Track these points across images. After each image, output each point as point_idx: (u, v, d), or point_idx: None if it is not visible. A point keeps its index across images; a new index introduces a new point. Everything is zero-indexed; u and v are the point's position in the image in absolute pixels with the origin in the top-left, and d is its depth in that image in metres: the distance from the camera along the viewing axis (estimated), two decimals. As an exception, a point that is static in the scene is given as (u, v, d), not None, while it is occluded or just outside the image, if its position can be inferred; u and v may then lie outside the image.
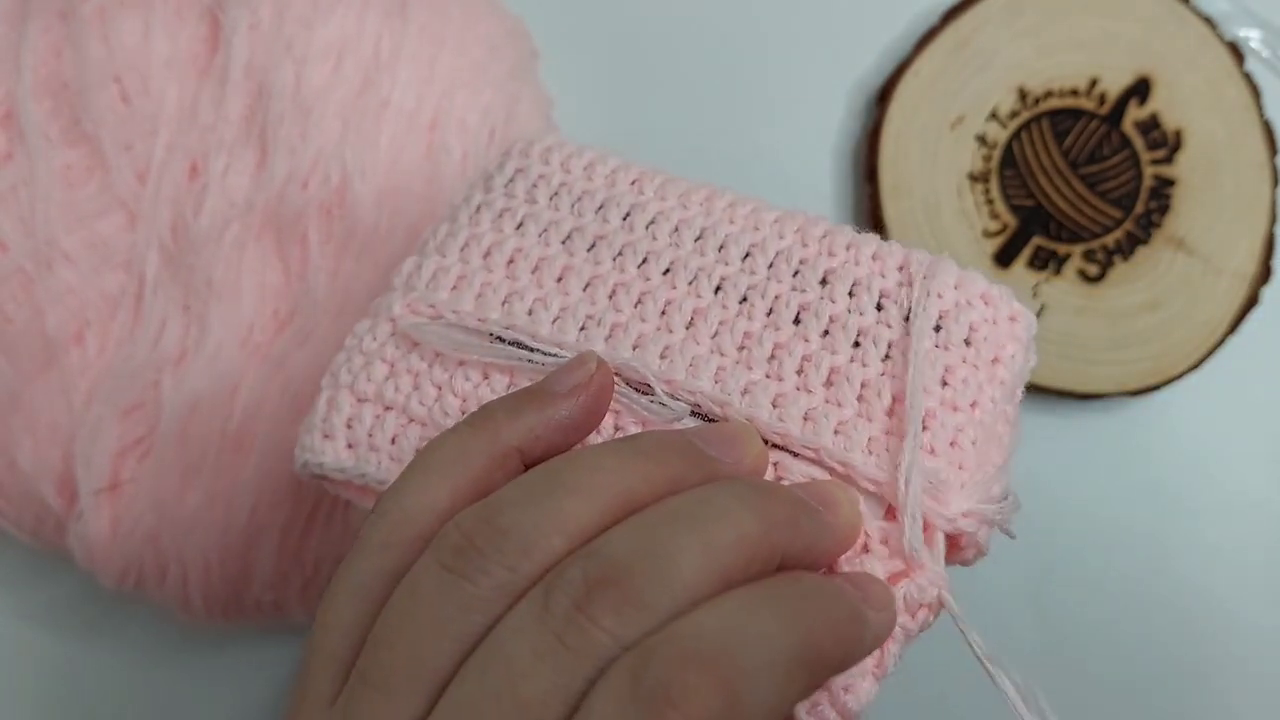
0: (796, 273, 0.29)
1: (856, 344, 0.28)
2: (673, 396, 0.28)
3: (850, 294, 0.28)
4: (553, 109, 0.45)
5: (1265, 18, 0.49)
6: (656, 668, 0.21)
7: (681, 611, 0.22)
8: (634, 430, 0.28)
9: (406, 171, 0.38)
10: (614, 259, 0.30)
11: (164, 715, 0.45)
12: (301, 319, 0.38)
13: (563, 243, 0.31)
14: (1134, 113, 0.46)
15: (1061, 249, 0.45)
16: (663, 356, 0.29)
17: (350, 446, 0.30)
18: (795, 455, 0.28)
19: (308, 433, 0.31)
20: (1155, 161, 0.46)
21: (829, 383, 0.28)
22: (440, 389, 0.30)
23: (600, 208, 0.31)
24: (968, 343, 0.27)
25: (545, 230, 0.31)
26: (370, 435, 0.30)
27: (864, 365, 0.28)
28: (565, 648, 0.22)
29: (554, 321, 0.30)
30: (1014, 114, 0.46)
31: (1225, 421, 0.48)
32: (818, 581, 0.24)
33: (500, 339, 0.30)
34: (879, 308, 0.28)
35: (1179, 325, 0.45)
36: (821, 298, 0.28)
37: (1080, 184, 0.46)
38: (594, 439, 0.28)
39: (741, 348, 0.28)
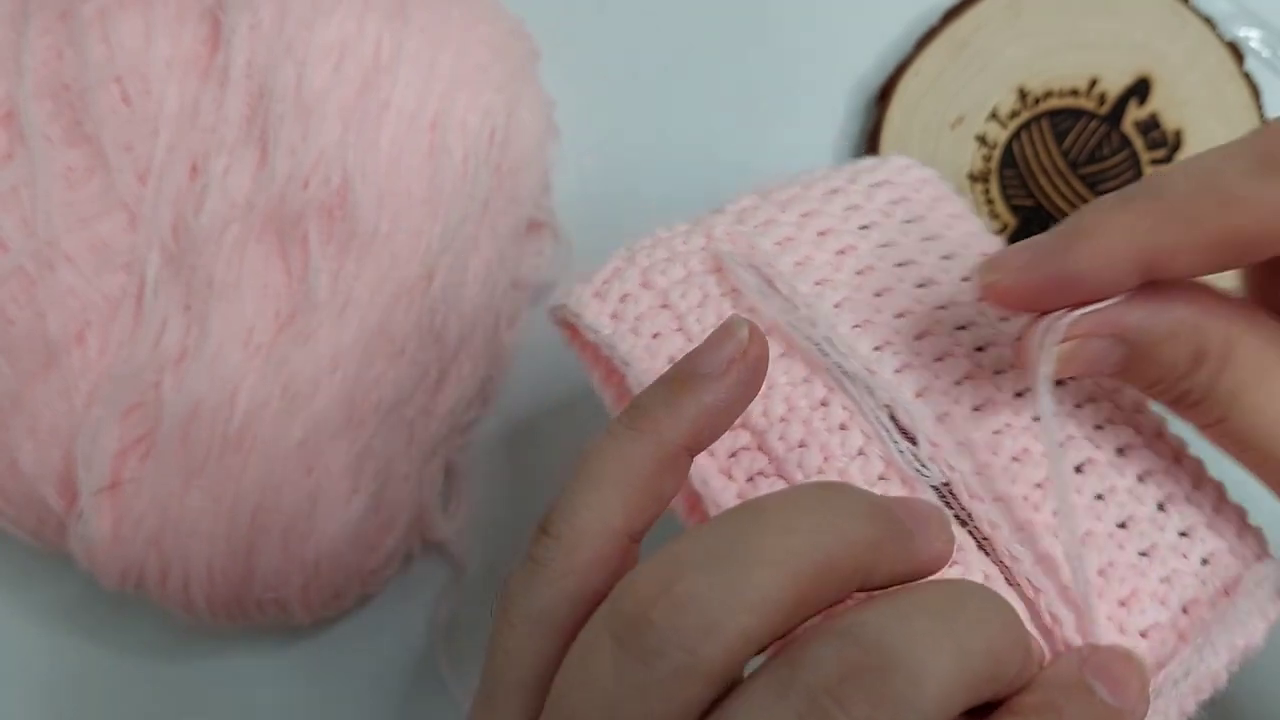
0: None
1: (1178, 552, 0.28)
2: (931, 460, 0.27)
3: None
4: (554, 110, 0.45)
5: (1265, 18, 0.49)
6: None
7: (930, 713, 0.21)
8: (858, 440, 0.27)
9: (407, 172, 0.38)
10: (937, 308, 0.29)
11: (166, 715, 0.45)
12: (303, 319, 0.38)
13: (896, 265, 0.30)
14: (1134, 113, 0.46)
15: (1061, 249, 0.46)
16: (939, 420, 0.28)
17: (614, 317, 0.30)
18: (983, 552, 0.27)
19: (582, 283, 0.31)
20: (1155, 161, 0.46)
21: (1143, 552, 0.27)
22: (720, 319, 0.28)
23: (946, 257, 0.31)
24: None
25: (886, 245, 0.30)
26: (638, 319, 0.30)
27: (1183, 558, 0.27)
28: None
29: (854, 327, 0.29)
30: (1014, 114, 0.46)
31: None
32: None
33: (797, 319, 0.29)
34: (1204, 562, 0.28)
35: (1179, 325, 0.45)
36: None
37: (1080, 184, 0.46)
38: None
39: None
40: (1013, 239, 0.45)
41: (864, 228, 0.31)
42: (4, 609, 0.45)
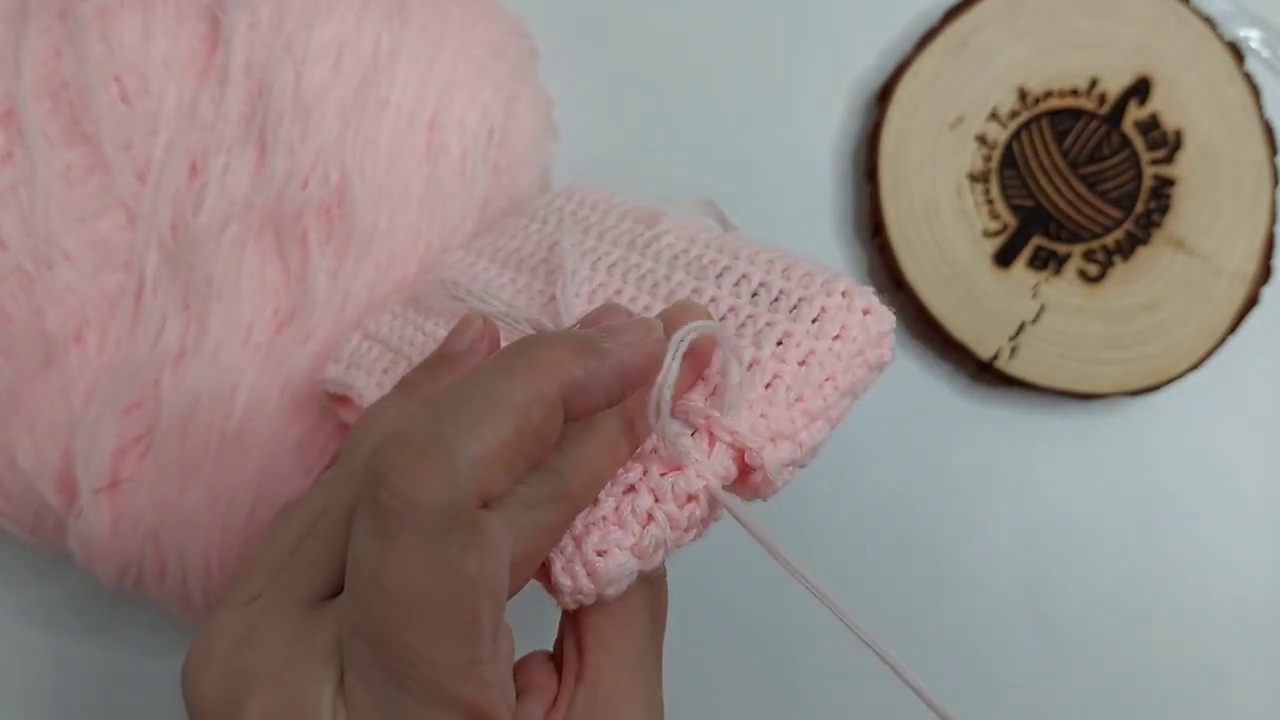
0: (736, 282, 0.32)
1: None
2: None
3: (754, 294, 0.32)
4: (552, 109, 0.45)
5: (1265, 18, 0.49)
6: (372, 459, 0.24)
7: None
8: None
9: (405, 171, 0.38)
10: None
11: (163, 713, 0.45)
12: (301, 318, 0.38)
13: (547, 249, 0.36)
14: (1134, 113, 0.46)
15: (1061, 249, 0.45)
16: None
17: (349, 368, 0.36)
18: None
19: (330, 363, 0.37)
20: (1155, 161, 0.46)
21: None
22: (428, 337, 0.35)
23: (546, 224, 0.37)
24: (814, 320, 0.30)
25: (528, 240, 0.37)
26: (367, 362, 0.36)
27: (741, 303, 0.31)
28: (346, 474, 0.27)
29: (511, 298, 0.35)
30: (1014, 114, 0.46)
31: (1225, 421, 0.48)
32: (543, 335, 0.27)
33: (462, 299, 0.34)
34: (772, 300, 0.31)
35: (1179, 325, 0.45)
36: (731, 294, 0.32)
37: (1080, 184, 0.46)
38: None
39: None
40: (1013, 238, 0.45)
41: (526, 231, 0.37)
42: (4, 608, 0.45)
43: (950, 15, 0.47)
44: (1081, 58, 0.46)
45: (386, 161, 0.38)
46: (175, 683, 0.45)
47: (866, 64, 0.49)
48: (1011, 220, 0.46)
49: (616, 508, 0.28)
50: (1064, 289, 0.45)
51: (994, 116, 0.46)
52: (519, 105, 0.41)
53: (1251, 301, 0.45)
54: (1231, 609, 0.47)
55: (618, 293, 0.33)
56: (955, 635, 0.47)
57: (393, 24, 0.39)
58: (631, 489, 0.28)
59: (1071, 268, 0.45)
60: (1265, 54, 0.49)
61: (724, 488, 0.28)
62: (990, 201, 0.46)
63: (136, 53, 0.38)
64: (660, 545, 0.28)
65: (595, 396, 0.26)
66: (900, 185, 0.46)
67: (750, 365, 0.29)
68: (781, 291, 0.31)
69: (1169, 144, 0.46)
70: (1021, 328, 0.45)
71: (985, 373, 0.46)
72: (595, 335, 0.27)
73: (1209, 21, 0.46)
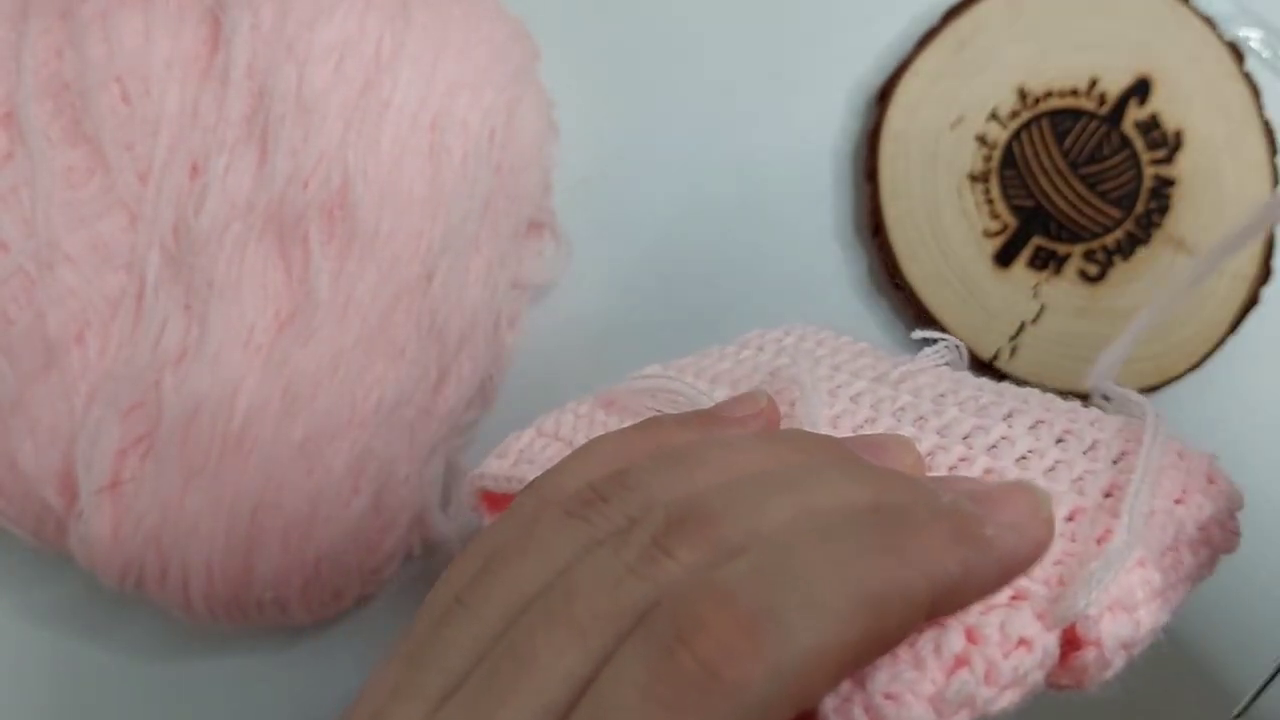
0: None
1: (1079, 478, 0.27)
2: None
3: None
4: (554, 110, 0.45)
5: (1265, 18, 0.49)
6: (676, 603, 0.20)
7: None
8: None
9: (408, 172, 0.38)
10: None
11: (165, 715, 0.45)
12: (303, 319, 0.38)
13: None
14: (1134, 113, 0.46)
15: (1061, 249, 0.45)
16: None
17: (514, 463, 0.32)
18: None
19: (492, 458, 0.33)
20: (1155, 162, 0.46)
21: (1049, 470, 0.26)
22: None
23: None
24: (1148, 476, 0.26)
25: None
26: (536, 456, 0.32)
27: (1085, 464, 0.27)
28: (632, 574, 0.20)
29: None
30: (1014, 114, 0.46)
31: (1226, 421, 0.48)
32: (912, 499, 0.22)
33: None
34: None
35: (1179, 325, 0.45)
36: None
37: (1080, 184, 0.46)
38: None
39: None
40: (1013, 238, 0.45)
41: (737, 357, 0.34)
42: (4, 608, 0.45)
43: (950, 15, 0.47)
44: (1081, 58, 0.46)
45: (389, 163, 0.38)
46: (176, 684, 0.45)
47: (866, 64, 0.49)
48: (1011, 220, 0.46)
49: (914, 643, 0.22)
50: (1064, 289, 0.45)
51: (994, 117, 0.46)
52: (521, 107, 0.41)
53: (1251, 302, 0.45)
54: (1231, 608, 0.47)
55: (869, 422, 0.29)
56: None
57: (395, 25, 0.39)
58: (938, 621, 0.22)
59: (1071, 268, 0.45)
60: (1265, 54, 0.49)
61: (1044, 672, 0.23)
62: (990, 202, 0.46)
63: (138, 54, 0.38)
64: (967, 703, 0.21)
65: (968, 598, 0.22)
66: (900, 185, 0.46)
67: (1073, 515, 0.25)
68: (1096, 441, 0.27)
69: (1169, 144, 0.46)
70: (1022, 328, 0.45)
71: (986, 372, 0.46)
72: (972, 513, 0.22)
73: (1209, 21, 0.47)
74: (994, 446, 0.27)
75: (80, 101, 0.38)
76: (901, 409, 0.29)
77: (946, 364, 0.32)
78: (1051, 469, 0.26)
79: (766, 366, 0.32)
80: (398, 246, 0.38)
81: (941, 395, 0.29)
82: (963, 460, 0.27)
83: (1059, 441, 0.27)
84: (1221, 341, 0.45)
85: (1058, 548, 0.24)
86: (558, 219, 0.46)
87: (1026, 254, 0.45)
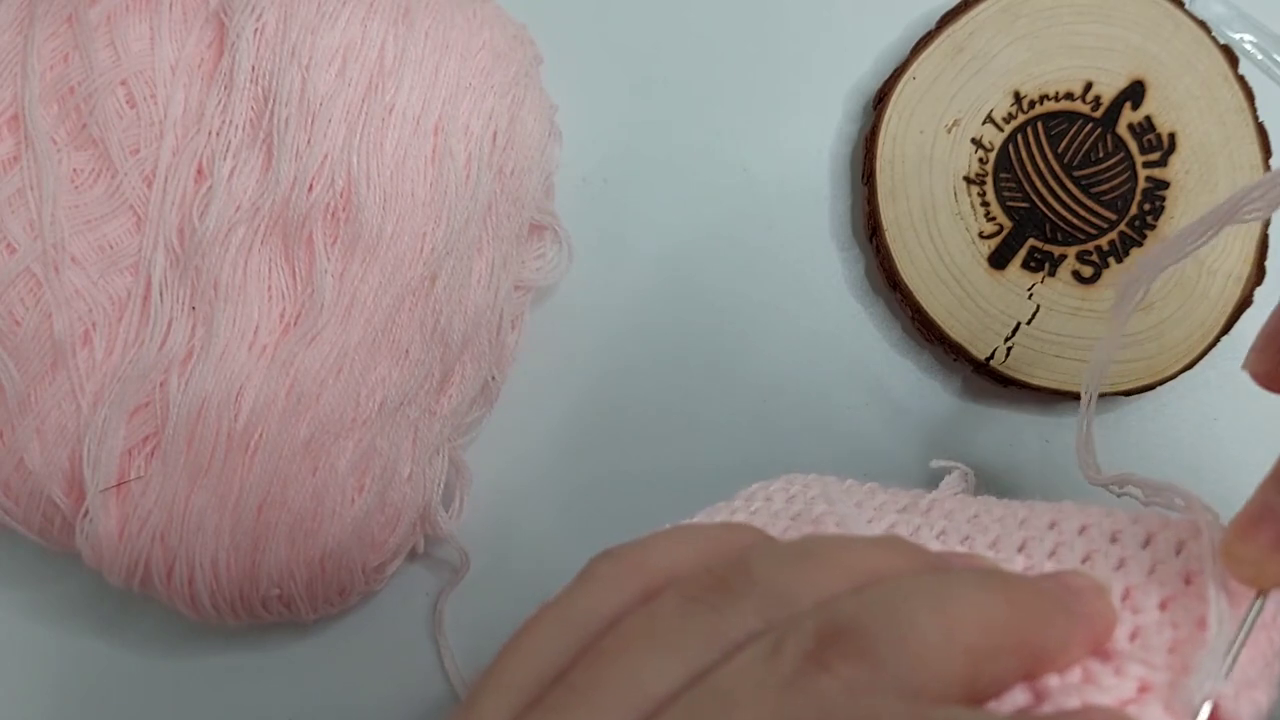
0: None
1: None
2: None
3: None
4: (556, 114, 0.45)
5: (1259, 21, 0.49)
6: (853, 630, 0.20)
7: (921, 684, 0.20)
8: None
9: (411, 175, 0.39)
10: None
11: (171, 713, 0.45)
12: (308, 321, 0.38)
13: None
14: (1128, 116, 0.47)
15: (1056, 251, 0.46)
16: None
17: None
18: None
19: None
20: (1149, 164, 0.46)
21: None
22: None
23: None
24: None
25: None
26: None
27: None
28: (793, 689, 0.20)
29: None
30: (1009, 117, 0.46)
31: (1219, 422, 0.48)
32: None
33: None
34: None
35: (1173, 326, 0.46)
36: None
37: (1075, 187, 0.46)
38: None
39: None
40: (1007, 241, 0.46)
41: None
42: (12, 607, 0.46)
43: (946, 20, 0.47)
44: (1076, 61, 0.47)
45: (392, 166, 0.38)
46: (182, 681, 0.45)
47: (864, 69, 0.49)
48: (1007, 222, 0.46)
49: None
50: (1059, 290, 0.46)
51: (990, 120, 0.46)
52: (523, 110, 0.41)
53: (1245, 303, 0.46)
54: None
55: None
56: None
57: (398, 30, 0.39)
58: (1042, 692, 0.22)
59: (1066, 269, 0.46)
60: (1259, 57, 0.49)
61: None
62: (986, 204, 0.46)
63: (143, 58, 0.38)
64: None
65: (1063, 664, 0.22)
66: (897, 188, 0.46)
67: (1164, 603, 0.25)
68: (1150, 534, 0.27)
69: (1163, 147, 0.46)
70: (1017, 328, 0.46)
71: (981, 373, 0.46)
72: (1059, 594, 0.23)
73: (1203, 25, 0.47)
74: (1053, 553, 0.27)
75: (86, 105, 0.38)
76: (943, 533, 0.29)
77: (962, 491, 0.32)
78: (1120, 565, 0.26)
79: (786, 513, 0.31)
80: (401, 248, 0.39)
81: (975, 516, 0.29)
82: (1028, 569, 0.27)
83: (1113, 541, 0.27)
84: (1215, 342, 0.46)
85: (1167, 635, 0.24)
86: (559, 221, 0.46)
87: (1021, 255, 0.46)
